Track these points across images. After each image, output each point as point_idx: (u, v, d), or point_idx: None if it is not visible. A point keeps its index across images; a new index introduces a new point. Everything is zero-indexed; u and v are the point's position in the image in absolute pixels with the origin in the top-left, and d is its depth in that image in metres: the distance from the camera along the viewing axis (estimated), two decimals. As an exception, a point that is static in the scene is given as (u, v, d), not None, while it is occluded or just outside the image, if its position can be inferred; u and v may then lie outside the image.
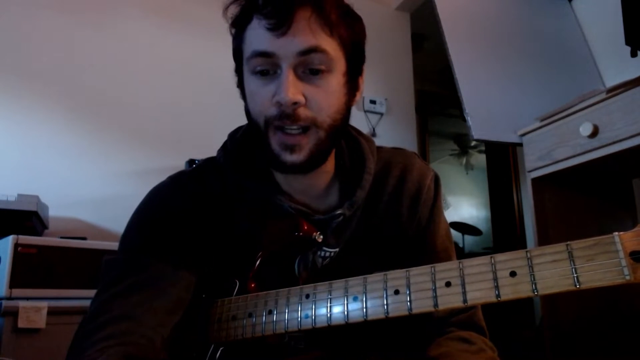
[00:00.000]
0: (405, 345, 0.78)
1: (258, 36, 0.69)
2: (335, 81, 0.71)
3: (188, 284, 0.72)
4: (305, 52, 0.67)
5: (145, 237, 0.74)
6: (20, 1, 2.26)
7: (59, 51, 2.29)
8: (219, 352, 0.70)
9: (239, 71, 0.76)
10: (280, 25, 0.66)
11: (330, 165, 0.78)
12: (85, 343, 0.63)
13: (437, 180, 0.83)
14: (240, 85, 0.76)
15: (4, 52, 2.17)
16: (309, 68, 0.68)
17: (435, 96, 4.37)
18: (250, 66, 0.70)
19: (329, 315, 0.63)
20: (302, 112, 0.68)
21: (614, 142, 1.47)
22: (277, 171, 0.76)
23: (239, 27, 0.73)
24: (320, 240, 0.74)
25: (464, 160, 6.02)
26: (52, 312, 1.54)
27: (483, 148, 5.01)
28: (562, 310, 1.67)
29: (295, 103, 0.67)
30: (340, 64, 0.71)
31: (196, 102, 2.51)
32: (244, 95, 0.75)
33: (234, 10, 0.73)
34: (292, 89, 0.66)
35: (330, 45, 0.69)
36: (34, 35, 2.25)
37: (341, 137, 0.78)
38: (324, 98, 0.69)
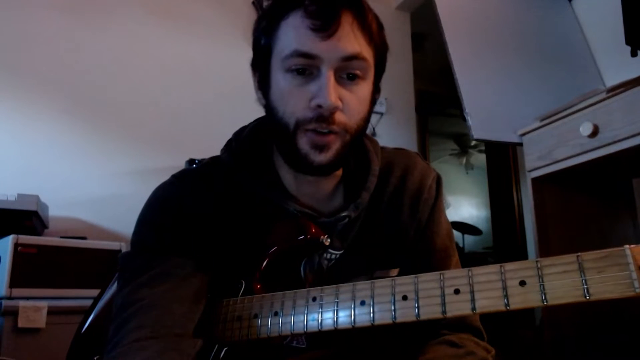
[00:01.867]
0: (399, 347, 0.77)
1: (300, 35, 0.67)
2: (367, 88, 0.71)
3: (204, 278, 0.72)
4: (349, 58, 0.67)
5: (160, 232, 0.74)
6: (21, 1, 2.26)
7: (59, 51, 2.29)
8: (223, 352, 0.70)
9: (262, 66, 0.74)
10: (326, 28, 0.65)
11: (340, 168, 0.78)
12: (119, 334, 0.63)
13: (438, 180, 0.83)
14: (262, 81, 0.74)
15: (4, 52, 2.17)
16: (345, 73, 0.68)
17: (435, 96, 4.37)
18: (287, 64, 0.68)
19: (335, 319, 0.63)
20: (338, 116, 0.68)
21: (614, 142, 1.47)
22: (301, 172, 0.75)
23: (272, 21, 0.71)
24: (327, 243, 0.73)
25: (464, 160, 6.02)
26: (52, 312, 1.54)
27: (483, 148, 5.01)
28: (563, 312, 1.67)
29: (335, 107, 0.67)
30: (372, 73, 0.72)
31: (196, 102, 2.51)
32: (265, 92, 0.73)
33: (265, 3, 0.72)
34: (334, 93, 0.66)
35: (369, 54, 0.70)
36: (34, 35, 2.25)
37: (358, 143, 0.78)
38: (356, 104, 0.70)
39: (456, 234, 4.86)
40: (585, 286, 0.51)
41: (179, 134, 2.43)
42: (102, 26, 2.41)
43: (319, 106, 0.66)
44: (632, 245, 0.50)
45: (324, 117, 0.67)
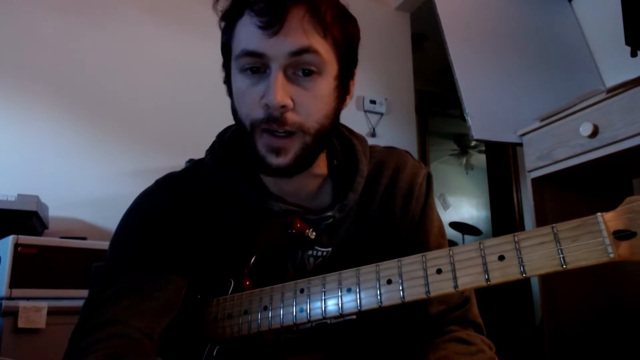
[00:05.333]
0: (403, 348, 0.77)
1: (248, 34, 0.66)
2: (325, 84, 0.69)
3: (178, 288, 0.72)
4: (297, 53, 0.65)
5: (133, 243, 0.74)
6: (21, 1, 2.26)
7: (59, 51, 2.29)
8: (215, 350, 0.70)
9: (226, 67, 0.74)
10: (272, 24, 0.64)
11: (320, 167, 0.77)
12: (75, 350, 0.64)
13: (429, 177, 0.82)
14: (227, 81, 0.74)
15: (4, 52, 2.17)
16: (300, 69, 0.66)
17: (435, 96, 4.37)
18: (239, 64, 0.68)
19: (323, 308, 0.64)
20: (290, 116, 0.66)
21: (614, 142, 1.47)
22: (262, 174, 0.75)
23: (228, 22, 0.71)
24: (313, 237, 0.73)
25: (464, 160, 6.02)
26: (52, 312, 1.54)
27: (483, 148, 5.01)
28: (562, 310, 1.67)
29: (283, 106, 0.65)
30: (331, 67, 0.69)
31: (196, 102, 2.51)
32: (230, 93, 0.74)
33: (224, 3, 0.71)
34: (280, 91, 0.64)
35: (322, 47, 0.67)
36: (33, 35, 2.25)
37: (329, 141, 0.77)
38: (312, 102, 0.67)
39: (456, 234, 4.86)
40: (561, 255, 0.52)
41: (179, 134, 2.43)
42: (101, 26, 2.41)
43: (267, 105, 0.65)
44: (603, 213, 0.52)
45: (273, 117, 0.66)
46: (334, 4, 0.70)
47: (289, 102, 0.66)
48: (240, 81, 0.69)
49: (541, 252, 0.53)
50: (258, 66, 0.67)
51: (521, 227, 3.51)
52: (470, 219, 5.58)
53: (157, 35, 2.52)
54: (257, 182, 0.77)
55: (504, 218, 3.84)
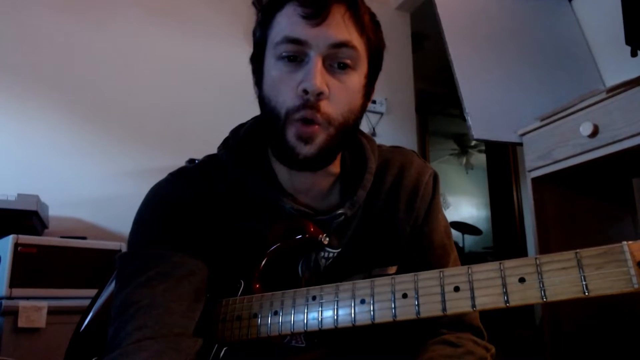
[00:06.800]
0: (399, 347, 0.77)
1: (291, 22, 0.69)
2: (357, 80, 0.71)
3: (204, 276, 0.72)
4: (337, 45, 0.68)
5: (158, 230, 0.74)
6: (21, 1, 2.26)
7: (59, 51, 2.29)
8: (223, 352, 0.70)
9: (257, 59, 0.75)
10: (317, 15, 0.67)
11: (335, 167, 0.78)
12: (120, 335, 0.63)
13: (435, 177, 0.83)
14: (257, 72, 0.75)
15: (4, 52, 2.17)
16: (336, 62, 0.69)
17: (435, 96, 4.37)
18: (278, 51, 0.70)
19: (335, 317, 0.63)
20: (323, 105, 0.68)
21: (614, 142, 1.47)
22: (287, 166, 0.75)
23: (268, 13, 0.73)
24: (326, 242, 0.74)
25: (464, 160, 6.03)
26: (52, 311, 1.54)
27: (483, 148, 5.02)
28: (563, 310, 1.67)
29: (320, 93, 0.67)
30: (363, 65, 0.72)
31: (196, 102, 2.51)
32: (259, 83, 0.75)
33: None
34: (320, 77, 0.67)
35: (359, 44, 0.70)
36: (34, 35, 2.25)
37: (351, 140, 0.78)
38: (344, 94, 0.70)
39: (456, 234, 4.87)
40: (584, 282, 0.51)
41: (179, 134, 2.43)
42: (102, 26, 2.41)
43: (305, 91, 0.67)
44: (630, 242, 0.51)
45: (310, 103, 0.67)
46: (369, 9, 0.74)
47: (326, 89, 0.68)
48: (276, 69, 0.70)
49: (563, 278, 0.52)
50: (296, 55, 0.69)
51: (521, 227, 3.51)
52: (470, 218, 5.59)
53: (158, 35, 2.52)
54: (271, 177, 0.78)
55: (504, 218, 3.84)
